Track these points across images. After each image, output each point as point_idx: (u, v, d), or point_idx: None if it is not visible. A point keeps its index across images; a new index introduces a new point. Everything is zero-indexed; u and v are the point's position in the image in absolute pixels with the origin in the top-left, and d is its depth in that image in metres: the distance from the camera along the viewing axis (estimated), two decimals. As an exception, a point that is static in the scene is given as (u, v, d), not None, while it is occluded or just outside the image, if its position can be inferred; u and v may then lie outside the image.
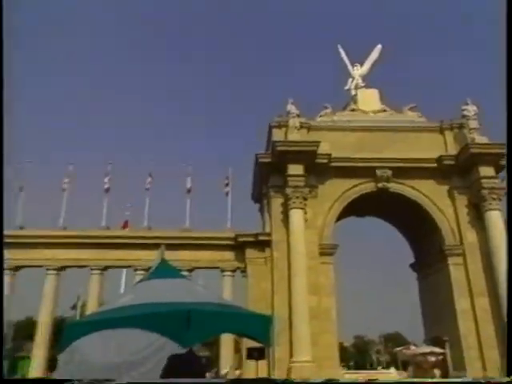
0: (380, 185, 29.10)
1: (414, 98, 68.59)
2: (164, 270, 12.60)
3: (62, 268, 29.69)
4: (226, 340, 27.67)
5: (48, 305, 29.11)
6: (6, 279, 29.31)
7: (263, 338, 11.88)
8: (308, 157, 28.03)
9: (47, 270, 29.38)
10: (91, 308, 27.12)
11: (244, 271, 28.99)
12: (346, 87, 35.08)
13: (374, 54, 35.28)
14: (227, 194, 31.62)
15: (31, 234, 29.55)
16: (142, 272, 27.85)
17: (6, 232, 29.26)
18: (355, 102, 33.28)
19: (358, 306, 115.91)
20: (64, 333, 13.63)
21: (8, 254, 29.11)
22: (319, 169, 28.44)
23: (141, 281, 14.19)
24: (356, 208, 30.45)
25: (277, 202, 28.61)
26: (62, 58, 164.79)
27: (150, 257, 26.02)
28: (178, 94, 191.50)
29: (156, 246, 27.31)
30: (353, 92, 34.36)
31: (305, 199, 27.67)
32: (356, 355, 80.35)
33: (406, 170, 28.78)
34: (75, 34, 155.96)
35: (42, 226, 30.78)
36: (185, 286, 12.00)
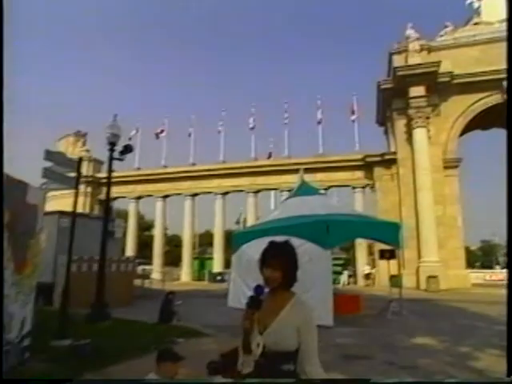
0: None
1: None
2: (304, 189, 13.21)
3: (226, 193, 32.67)
4: (361, 244, 28.13)
5: (219, 221, 32.56)
6: (188, 204, 33.39)
7: (393, 241, 12.02)
8: (429, 77, 25.28)
9: (215, 194, 32.64)
10: (250, 222, 29.55)
11: (373, 187, 28.50)
12: (468, 1, 28.73)
13: (500, -42, 28.64)
14: (353, 120, 30.58)
15: (202, 168, 32.74)
16: (286, 193, 29.07)
17: (180, 168, 33.13)
18: (478, 14, 27.66)
19: (485, 213, 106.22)
20: (233, 240, 15.33)
21: (187, 185, 32.91)
22: (441, 87, 25.55)
23: (287, 199, 15.12)
24: (480, 121, 27.06)
25: (400, 124, 26.87)
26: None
27: (292, 180, 27.07)
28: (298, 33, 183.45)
29: (296, 171, 28.24)
30: (476, 5, 28.12)
31: (427, 118, 25.47)
32: (482, 257, 74.87)
33: (537, 77, 24.18)
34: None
35: (207, 162, 33.74)
36: (323, 201, 12.51)
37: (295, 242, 9.22)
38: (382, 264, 19.93)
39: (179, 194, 33.53)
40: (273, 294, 2.17)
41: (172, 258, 41.47)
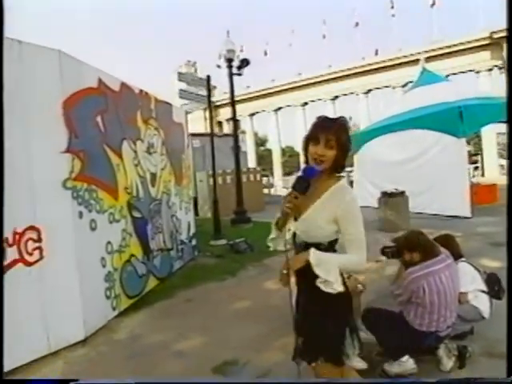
0: None
1: None
2: (427, 78, 11.66)
3: (335, 98, 31.05)
4: (488, 135, 24.88)
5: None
6: (298, 113, 32.72)
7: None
8: None
9: (325, 101, 31.29)
10: (362, 125, 27.93)
11: (502, 68, 24.11)
12: None
13: None
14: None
15: (309, 76, 31.23)
16: (399, 89, 26.43)
17: (287, 79, 31.97)
18: None
19: None
20: (353, 141, 14.60)
21: (296, 95, 31.91)
22: None
23: (407, 92, 13.62)
24: None
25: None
26: None
27: (405, 73, 24.34)
28: None
29: (408, 64, 25.14)
30: None
31: None
32: None
33: None
34: None
35: (314, 69, 31.93)
36: (450, 87, 10.94)
37: (424, 133, 8.29)
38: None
39: (289, 105, 33.03)
40: (316, 179, 1.74)
41: (289, 167, 42.33)
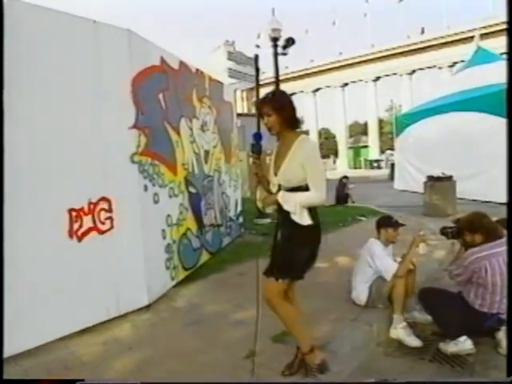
0: None
1: None
2: (481, 57, 11.11)
3: (377, 79, 30.06)
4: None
5: (372, 108, 30.72)
6: (338, 95, 31.99)
7: None
8: None
9: (366, 82, 30.37)
10: (404, 108, 27.01)
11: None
12: None
13: None
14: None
15: (350, 56, 30.35)
16: (446, 69, 25.20)
17: (328, 60, 31.18)
18: None
19: None
20: (396, 123, 14.22)
21: (337, 75, 31.15)
22: None
23: (458, 72, 13.01)
24: None
25: None
26: None
27: (454, 53, 23.16)
28: None
29: (457, 42, 23.86)
30: None
31: None
32: None
33: None
34: None
35: (355, 48, 30.96)
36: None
37: (470, 117, 7.95)
38: None
39: (328, 86, 32.34)
40: (282, 139, 2.30)
41: (324, 149, 41.86)
